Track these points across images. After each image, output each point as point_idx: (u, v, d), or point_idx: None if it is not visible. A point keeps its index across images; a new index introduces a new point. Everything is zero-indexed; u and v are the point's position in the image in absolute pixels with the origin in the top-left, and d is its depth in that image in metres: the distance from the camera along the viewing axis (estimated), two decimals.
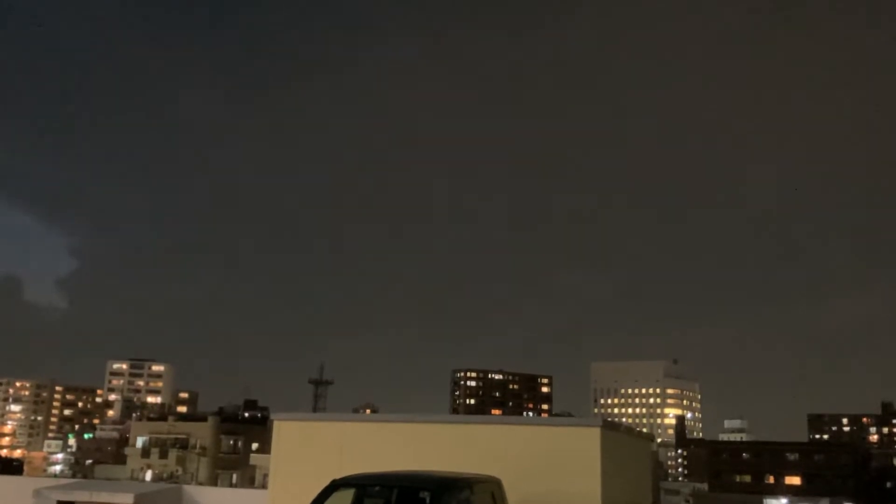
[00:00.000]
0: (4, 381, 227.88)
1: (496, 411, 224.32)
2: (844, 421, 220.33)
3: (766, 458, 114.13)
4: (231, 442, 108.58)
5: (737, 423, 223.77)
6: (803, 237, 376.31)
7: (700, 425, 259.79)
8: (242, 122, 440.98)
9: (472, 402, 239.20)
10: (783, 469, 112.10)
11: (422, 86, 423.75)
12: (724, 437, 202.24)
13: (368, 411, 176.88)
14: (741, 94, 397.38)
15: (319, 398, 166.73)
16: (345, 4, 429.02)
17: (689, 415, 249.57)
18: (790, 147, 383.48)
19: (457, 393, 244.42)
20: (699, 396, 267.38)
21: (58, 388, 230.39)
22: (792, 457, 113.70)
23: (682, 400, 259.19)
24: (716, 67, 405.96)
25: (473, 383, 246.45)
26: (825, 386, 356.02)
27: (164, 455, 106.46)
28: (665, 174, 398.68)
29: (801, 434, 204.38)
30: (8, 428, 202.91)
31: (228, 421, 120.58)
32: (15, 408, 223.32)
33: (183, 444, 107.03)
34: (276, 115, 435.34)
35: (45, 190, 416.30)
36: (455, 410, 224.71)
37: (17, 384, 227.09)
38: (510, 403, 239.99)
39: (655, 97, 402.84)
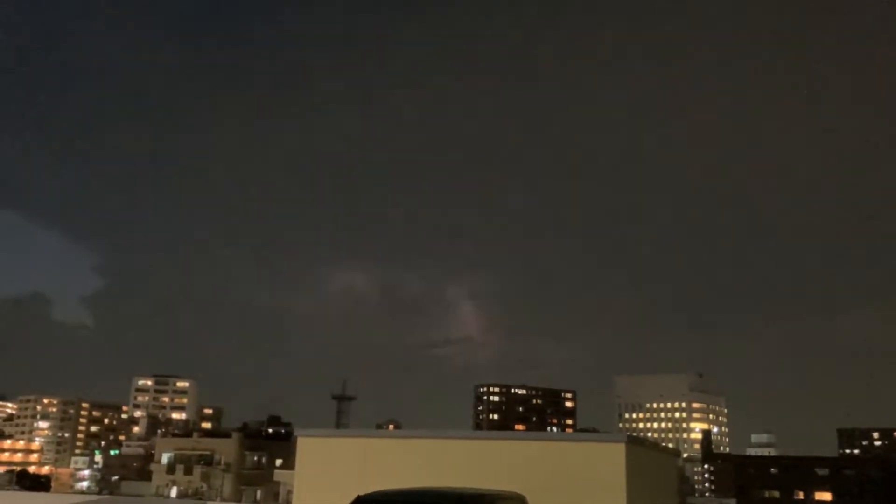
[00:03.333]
0: (32, 398, 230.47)
1: (520, 426, 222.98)
2: (875, 435, 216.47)
3: (795, 473, 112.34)
4: (255, 458, 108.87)
5: (764, 438, 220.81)
6: (830, 248, 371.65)
7: (727, 440, 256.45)
8: (259, 134, 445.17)
9: (496, 417, 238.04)
10: (813, 484, 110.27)
11: (436, 92, 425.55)
12: (751, 451, 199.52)
13: (391, 427, 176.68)
14: (761, 106, 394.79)
15: (342, 414, 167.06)
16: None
17: (715, 429, 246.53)
18: (825, 160, 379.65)
19: (480, 408, 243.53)
20: (725, 410, 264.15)
21: (84, 405, 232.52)
22: (822, 472, 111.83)
23: (708, 414, 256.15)
24: (734, 81, 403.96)
25: (496, 398, 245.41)
26: (855, 399, 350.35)
27: (189, 471, 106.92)
28: (689, 186, 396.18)
29: (830, 449, 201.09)
30: (36, 444, 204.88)
31: (252, 437, 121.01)
32: (43, 424, 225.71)
33: (207, 461, 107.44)
34: (288, 129, 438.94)
35: (71, 209, 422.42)
36: (478, 425, 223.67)
37: (45, 401, 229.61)
38: (534, 418, 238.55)
39: (681, 106, 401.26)
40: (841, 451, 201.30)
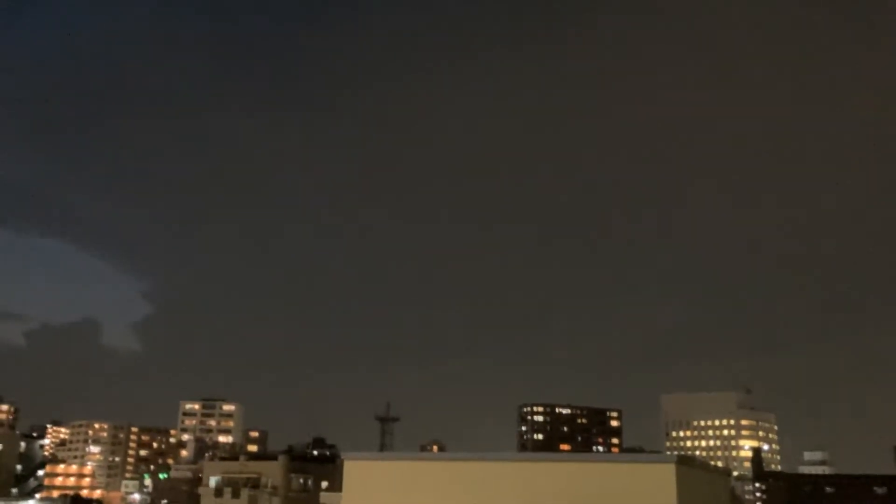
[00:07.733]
0: (84, 423, 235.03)
1: (565, 447, 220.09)
2: None
3: (852, 491, 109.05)
4: (301, 481, 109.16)
5: (818, 455, 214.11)
6: (880, 262, 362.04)
7: (777, 458, 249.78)
8: (306, 164, 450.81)
9: (540, 437, 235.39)
10: (870, 503, 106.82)
11: (472, 116, 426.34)
12: (804, 469, 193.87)
13: (435, 448, 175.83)
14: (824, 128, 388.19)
15: (386, 434, 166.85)
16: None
17: (765, 447, 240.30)
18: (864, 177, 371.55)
19: (524, 428, 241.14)
20: (775, 427, 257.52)
21: (133, 430, 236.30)
22: (880, 490, 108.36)
23: (758, 431, 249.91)
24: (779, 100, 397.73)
25: (541, 418, 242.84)
26: None
27: (236, 494, 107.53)
28: (736, 203, 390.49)
29: (887, 466, 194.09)
30: (88, 469, 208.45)
31: (298, 459, 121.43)
32: (94, 449, 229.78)
33: (254, 484, 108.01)
34: (335, 156, 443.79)
35: (121, 238, 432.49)
36: (523, 446, 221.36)
37: (96, 426, 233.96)
38: (579, 438, 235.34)
39: (717, 124, 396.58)
40: None
